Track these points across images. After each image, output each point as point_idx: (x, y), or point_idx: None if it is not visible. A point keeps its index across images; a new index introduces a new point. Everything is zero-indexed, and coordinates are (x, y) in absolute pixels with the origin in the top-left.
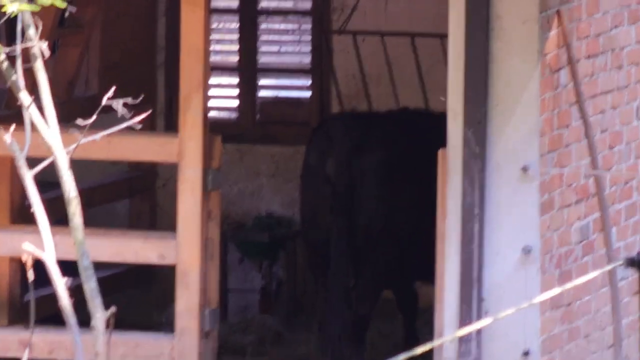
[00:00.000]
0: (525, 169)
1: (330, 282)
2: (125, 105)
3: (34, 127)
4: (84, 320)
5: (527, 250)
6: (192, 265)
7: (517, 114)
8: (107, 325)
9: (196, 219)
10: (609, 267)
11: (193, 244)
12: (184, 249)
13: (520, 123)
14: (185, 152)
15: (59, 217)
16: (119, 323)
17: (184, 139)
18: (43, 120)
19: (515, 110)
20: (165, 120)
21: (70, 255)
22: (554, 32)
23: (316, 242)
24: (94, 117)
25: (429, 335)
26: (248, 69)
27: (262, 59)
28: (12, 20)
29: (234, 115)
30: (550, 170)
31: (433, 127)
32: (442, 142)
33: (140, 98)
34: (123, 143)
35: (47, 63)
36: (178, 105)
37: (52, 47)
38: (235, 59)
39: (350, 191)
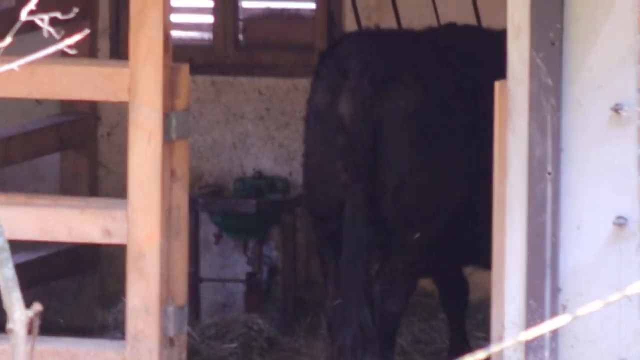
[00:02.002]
0: (617, 109)
1: (344, 270)
2: (53, 21)
3: None
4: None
5: (621, 222)
6: (150, 244)
7: (606, 32)
8: (30, 330)
9: (154, 180)
10: None
11: (150, 216)
12: (137, 223)
13: (610, 44)
14: (138, 87)
15: None
16: (48, 326)
17: (137, 69)
18: None
19: (602, 27)
20: (111, 43)
21: None
22: None
23: (324, 213)
24: (10, 38)
25: (483, 341)
26: None
27: None
28: None
29: (207, 35)
30: None
31: (489, 50)
32: (501, 71)
33: (75, 12)
34: (51, 74)
35: None
36: (128, 21)
37: None
38: None
39: (373, 142)
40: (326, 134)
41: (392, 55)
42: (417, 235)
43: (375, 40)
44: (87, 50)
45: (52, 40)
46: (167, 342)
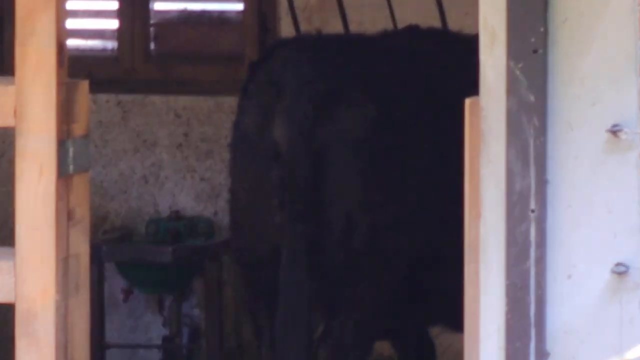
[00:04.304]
0: (615, 131)
1: (281, 332)
2: None
3: None
4: None
5: (621, 270)
6: (43, 302)
7: (599, 38)
8: None
9: (48, 224)
10: None
11: (43, 268)
12: (27, 277)
13: (606, 52)
14: (26, 109)
15: None
16: None
17: (25, 88)
18: None
19: (595, 31)
20: None
21: None
22: None
23: (256, 261)
24: None
25: None
26: None
27: None
28: None
29: (110, 45)
30: None
31: (459, 60)
32: (473, 86)
33: None
34: None
35: None
36: (13, 30)
37: None
38: None
39: (315, 174)
40: (257, 164)
41: (338, 67)
42: (370, 285)
43: (316, 48)
44: None
45: None
46: None
